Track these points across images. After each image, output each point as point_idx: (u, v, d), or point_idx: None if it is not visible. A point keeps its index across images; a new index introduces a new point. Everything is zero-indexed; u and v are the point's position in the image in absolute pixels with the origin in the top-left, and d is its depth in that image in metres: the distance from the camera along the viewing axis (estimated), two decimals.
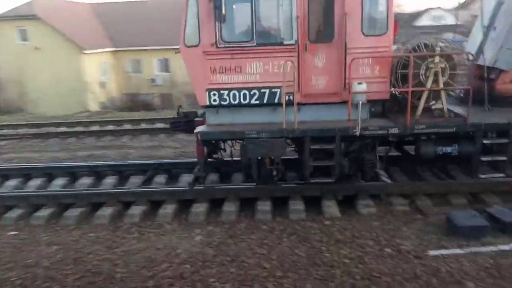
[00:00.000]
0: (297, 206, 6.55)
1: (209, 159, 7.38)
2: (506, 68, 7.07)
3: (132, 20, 30.96)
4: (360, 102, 6.24)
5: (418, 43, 6.77)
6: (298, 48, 6.39)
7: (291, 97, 6.40)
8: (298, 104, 6.43)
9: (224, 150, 7.33)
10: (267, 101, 6.64)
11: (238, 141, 6.86)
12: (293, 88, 6.34)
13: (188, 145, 10.29)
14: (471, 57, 6.89)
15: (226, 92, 6.60)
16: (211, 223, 6.29)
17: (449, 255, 4.98)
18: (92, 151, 10.63)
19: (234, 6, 6.50)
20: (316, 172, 6.59)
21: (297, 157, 7.15)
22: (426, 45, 6.61)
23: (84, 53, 27.52)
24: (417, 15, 66.17)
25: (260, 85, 6.57)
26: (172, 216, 6.56)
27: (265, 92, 6.61)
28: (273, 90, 6.57)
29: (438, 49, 6.45)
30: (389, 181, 7.25)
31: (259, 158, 6.65)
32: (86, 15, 32.79)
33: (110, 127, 13.78)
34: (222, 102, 6.65)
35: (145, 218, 6.56)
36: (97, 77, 28.65)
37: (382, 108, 6.91)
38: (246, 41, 6.42)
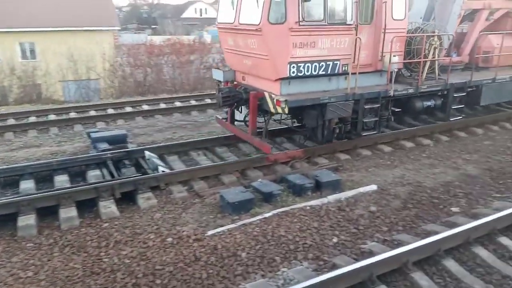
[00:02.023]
0: (69, 213, 5.87)
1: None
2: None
3: None
4: (395, 70, 8.52)
5: (417, 27, 9.19)
6: (356, 28, 7.76)
7: (346, 68, 7.93)
8: (352, 73, 7.87)
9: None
10: (330, 72, 7.90)
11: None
12: (350, 60, 7.81)
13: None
14: (451, 38, 9.80)
15: (302, 64, 7.53)
16: None
17: (224, 232, 5.37)
18: None
19: None
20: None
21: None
22: (422, 30, 9.02)
23: None
24: (183, 7, 69.07)
25: (327, 58, 7.75)
26: None
27: (329, 64, 7.84)
28: (335, 62, 7.88)
29: (436, 31, 8.98)
30: (167, 170, 7.36)
31: (330, 119, 7.97)
32: None
33: None
34: (298, 74, 7.57)
35: None
36: None
37: (396, 75, 8.73)
38: (320, 21, 7.39)
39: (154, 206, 6.27)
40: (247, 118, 8.79)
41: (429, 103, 9.47)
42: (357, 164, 7.98)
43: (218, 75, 9.28)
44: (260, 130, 8.62)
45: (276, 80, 7.59)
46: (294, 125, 9.23)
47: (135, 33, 50.97)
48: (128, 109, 13.27)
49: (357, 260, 4.57)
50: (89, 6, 27.76)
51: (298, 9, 7.08)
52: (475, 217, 5.52)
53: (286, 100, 7.35)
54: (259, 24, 7.21)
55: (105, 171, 7.40)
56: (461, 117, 10.04)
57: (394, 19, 8.23)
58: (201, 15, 74.04)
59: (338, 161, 8.13)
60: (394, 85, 8.56)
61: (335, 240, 5.16)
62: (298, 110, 7.99)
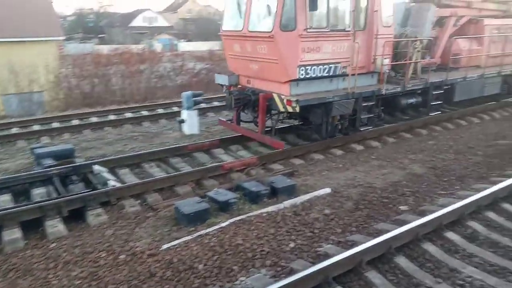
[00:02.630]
0: (13, 235, 5.51)
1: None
2: None
3: None
4: (387, 72, 9.52)
5: (402, 32, 10.16)
6: (354, 34, 8.57)
7: (345, 70, 8.80)
8: (349, 75, 8.77)
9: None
10: (332, 73, 8.71)
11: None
12: (349, 63, 8.70)
13: None
14: (433, 40, 11.02)
15: (309, 67, 8.33)
16: None
17: (180, 244, 5.25)
18: None
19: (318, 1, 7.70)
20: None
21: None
22: (406, 35, 10.01)
23: None
24: (131, 16, 67.67)
25: (329, 61, 8.57)
26: None
27: (332, 67, 8.66)
28: (336, 65, 8.70)
29: (419, 35, 10.07)
30: (118, 184, 7.11)
31: (333, 116, 8.87)
32: None
33: None
34: (306, 76, 8.36)
35: None
36: None
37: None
38: (324, 28, 8.19)
39: (105, 222, 6.03)
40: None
41: (412, 100, 10.52)
42: (311, 168, 8.13)
43: (222, 79, 9.85)
44: (268, 128, 9.30)
45: (286, 82, 8.31)
46: (298, 123, 10.16)
47: (80, 42, 49.20)
48: (75, 122, 12.75)
49: (313, 263, 4.62)
50: (30, 16, 26.45)
51: (306, 17, 7.83)
52: (423, 214, 5.78)
53: (297, 100, 8.07)
54: (271, 31, 7.93)
55: (51, 188, 7.04)
56: (439, 112, 11.37)
57: (384, 26, 9.18)
58: (150, 24, 72.83)
59: (292, 166, 8.24)
60: (384, 85, 9.52)
61: (292, 245, 5.20)
62: (304, 109, 8.40)
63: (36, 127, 12.03)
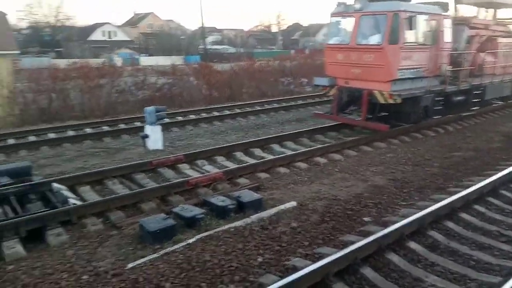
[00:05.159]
0: None
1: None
2: None
3: None
4: (448, 76, 12.46)
5: (454, 47, 13.11)
6: (431, 47, 11.93)
7: (424, 73, 11.89)
8: (429, 77, 12.03)
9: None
10: (416, 76, 11.72)
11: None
12: (426, 68, 11.90)
13: None
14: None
15: (404, 70, 11.29)
16: None
17: (146, 263, 5.13)
18: None
19: (411, 22, 10.93)
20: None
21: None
22: (457, 49, 13.23)
23: None
24: (90, 29, 66.32)
25: (416, 66, 11.59)
26: None
27: (417, 70, 11.65)
28: (419, 69, 11.69)
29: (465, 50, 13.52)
30: (78, 202, 6.87)
31: (420, 106, 11.85)
32: None
33: None
34: (402, 76, 11.28)
35: None
36: None
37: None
38: (414, 43, 11.37)
39: (66, 242, 5.79)
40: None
41: (460, 98, 13.16)
42: (277, 182, 8.21)
43: (321, 81, 12.88)
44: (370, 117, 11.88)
45: (388, 81, 11.15)
46: (381, 114, 12.38)
47: (36, 56, 47.48)
48: (32, 138, 12.25)
49: (281, 277, 4.64)
50: None
51: (404, 35, 10.93)
52: (385, 225, 5.96)
53: (399, 94, 10.92)
54: (381, 44, 10.91)
55: (7, 207, 6.68)
56: (476, 109, 14.58)
57: (445, 42, 12.24)
58: (109, 38, 71.55)
59: (258, 180, 8.28)
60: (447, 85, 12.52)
61: (260, 259, 5.20)
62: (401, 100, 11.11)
63: None
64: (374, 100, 11.37)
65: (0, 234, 5.66)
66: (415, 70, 11.60)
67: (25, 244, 5.68)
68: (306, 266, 4.73)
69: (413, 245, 5.51)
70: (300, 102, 19.36)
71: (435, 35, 11.92)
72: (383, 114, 12.50)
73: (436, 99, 12.28)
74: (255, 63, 25.90)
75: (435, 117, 12.63)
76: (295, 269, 4.82)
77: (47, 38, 66.08)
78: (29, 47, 58.88)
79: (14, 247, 5.52)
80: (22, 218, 6.03)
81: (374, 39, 11.28)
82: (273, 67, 25.53)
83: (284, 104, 18.45)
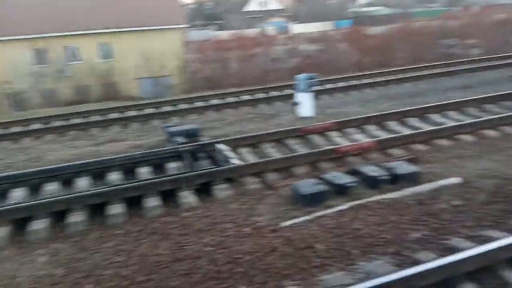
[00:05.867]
0: (153, 203, 6.27)
1: None
2: None
3: None
4: None
5: None
6: None
7: None
8: None
9: None
10: None
11: None
12: None
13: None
14: None
15: None
16: (57, 240, 5.57)
17: (299, 223, 5.41)
18: None
19: None
20: None
21: None
22: None
23: None
24: (245, 1, 69.49)
25: None
26: (6, 239, 5.58)
27: None
28: None
29: None
30: (239, 162, 7.53)
31: None
32: None
33: None
34: None
35: None
36: None
37: None
38: None
39: (230, 196, 6.48)
40: None
41: None
42: (436, 155, 7.57)
43: None
44: None
45: None
46: None
47: (201, 29, 52.42)
48: (199, 103, 13.75)
49: (441, 256, 4.36)
50: (158, 6, 29.09)
51: None
52: None
53: None
54: None
55: (182, 163, 7.76)
56: None
57: None
58: (263, 7, 74.20)
59: (414, 152, 7.78)
60: None
61: (416, 235, 4.96)
62: None
63: (166, 108, 13.33)
64: None
65: (177, 186, 6.64)
66: None
67: (196, 195, 6.55)
68: (469, 248, 4.34)
69: None
70: (466, 66, 17.18)
71: None
72: None
73: None
74: (411, 24, 23.79)
75: None
76: (457, 249, 4.47)
77: (209, 12, 72.23)
78: (195, 20, 65.30)
79: (189, 197, 6.43)
80: (195, 173, 6.93)
81: None
82: (432, 28, 23.07)
83: (445, 69, 16.63)
